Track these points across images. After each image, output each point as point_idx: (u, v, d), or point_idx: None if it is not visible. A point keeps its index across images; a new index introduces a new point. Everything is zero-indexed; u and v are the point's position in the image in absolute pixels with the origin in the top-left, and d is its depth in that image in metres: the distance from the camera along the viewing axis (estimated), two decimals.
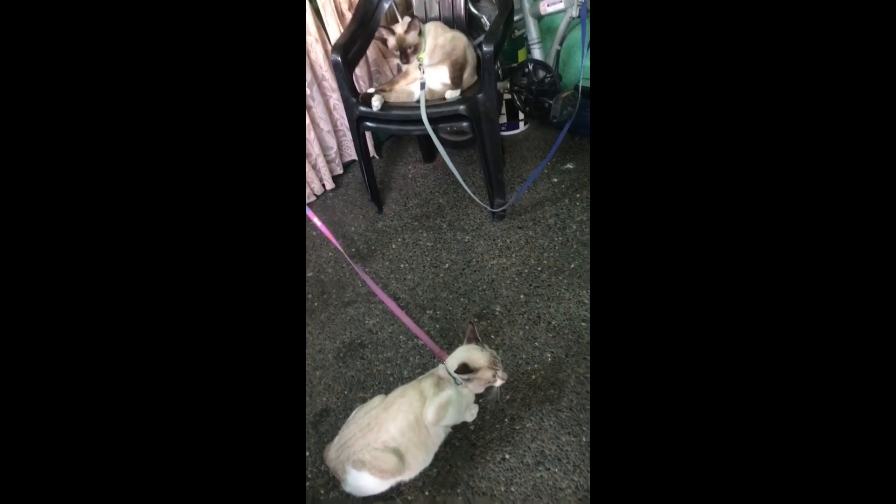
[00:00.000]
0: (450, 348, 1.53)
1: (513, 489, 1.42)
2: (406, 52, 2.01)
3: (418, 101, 2.03)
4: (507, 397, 1.63)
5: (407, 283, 2.12)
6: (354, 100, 2.14)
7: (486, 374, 1.41)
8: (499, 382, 1.41)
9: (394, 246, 2.32)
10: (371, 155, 2.88)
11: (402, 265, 2.21)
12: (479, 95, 2.02)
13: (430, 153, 2.78)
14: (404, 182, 2.70)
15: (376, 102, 2.06)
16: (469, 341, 1.47)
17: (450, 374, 1.44)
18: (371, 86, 2.36)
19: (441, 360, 1.53)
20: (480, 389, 1.44)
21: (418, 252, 2.25)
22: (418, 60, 2.05)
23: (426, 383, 1.47)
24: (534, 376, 1.67)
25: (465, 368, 1.42)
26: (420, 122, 1.99)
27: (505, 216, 2.32)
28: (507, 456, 1.49)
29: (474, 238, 2.26)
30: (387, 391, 1.49)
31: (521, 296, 1.95)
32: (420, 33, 2.03)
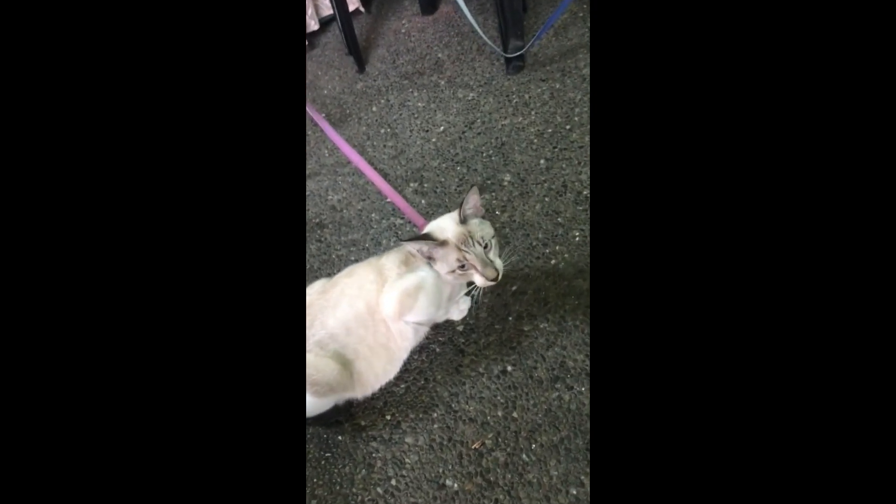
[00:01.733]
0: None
1: (515, 415, 0.94)
2: None
3: None
4: (514, 288, 1.12)
5: (387, 150, 1.58)
6: None
7: (450, 258, 0.90)
8: (477, 280, 0.90)
9: (374, 108, 1.77)
10: (356, 8, 2.26)
11: (382, 130, 1.66)
12: None
13: (430, 2, 2.14)
14: (395, 38, 2.09)
15: None
16: (469, 215, 0.95)
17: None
18: None
19: (419, 229, 1.02)
20: (459, 279, 0.93)
21: (405, 114, 1.70)
22: None
23: (389, 259, 0.97)
24: (553, 261, 1.16)
25: (425, 239, 0.91)
26: None
27: (523, 67, 1.72)
28: (510, 368, 1.01)
29: (481, 95, 1.69)
30: None
31: (542, 161, 1.40)
32: None
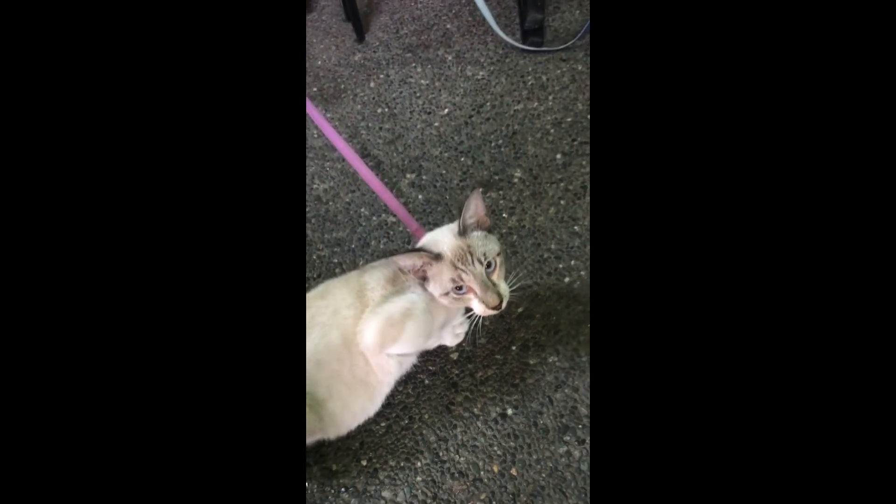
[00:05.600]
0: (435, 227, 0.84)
1: (514, 472, 0.79)
2: None
3: None
4: (520, 310, 0.96)
5: (383, 133, 1.40)
6: None
7: (444, 276, 0.74)
8: (476, 306, 0.73)
9: (372, 84, 1.57)
10: None
11: (379, 109, 1.47)
12: None
13: None
14: (401, 3, 1.88)
15: None
16: (470, 225, 0.78)
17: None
18: None
19: (415, 239, 0.86)
20: (455, 304, 0.77)
21: (406, 92, 1.51)
22: None
23: (373, 277, 0.80)
24: (567, 278, 0.99)
25: (416, 253, 0.75)
26: None
27: (542, 43, 1.52)
28: (510, 411, 0.85)
29: (492, 74, 1.49)
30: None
31: (558, 155, 1.22)
32: None
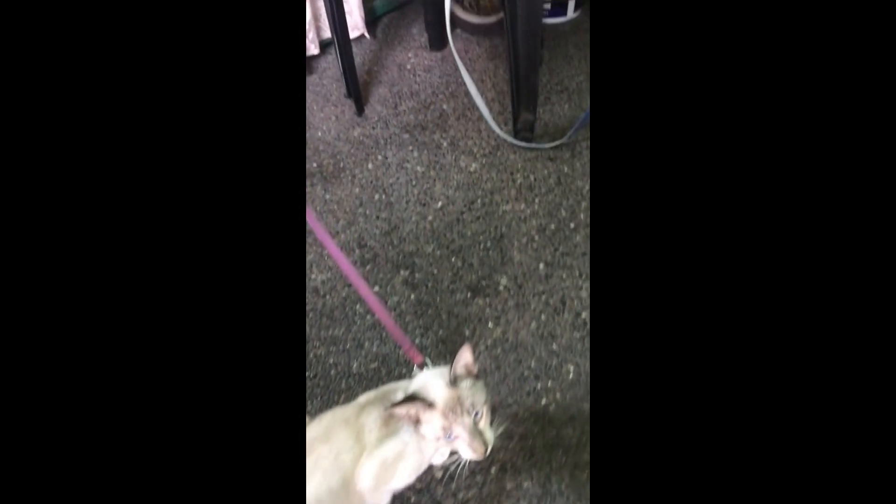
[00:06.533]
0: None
1: None
2: None
3: None
4: (500, 429, 1.06)
5: (380, 223, 1.48)
6: None
7: (435, 424, 0.83)
8: (463, 451, 0.83)
9: (370, 166, 1.65)
10: (360, 34, 2.10)
11: (377, 196, 1.56)
12: None
13: (439, 37, 2.00)
14: (399, 74, 1.96)
15: None
16: (459, 375, 0.87)
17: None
18: None
19: (414, 364, 0.95)
20: (444, 447, 0.87)
21: (403, 178, 1.60)
22: None
23: (370, 417, 0.89)
24: (544, 400, 1.10)
25: (411, 402, 0.84)
26: None
27: (532, 139, 1.63)
28: None
29: (484, 168, 1.59)
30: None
31: (541, 265, 1.33)
32: None
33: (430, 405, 0.83)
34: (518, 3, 1.35)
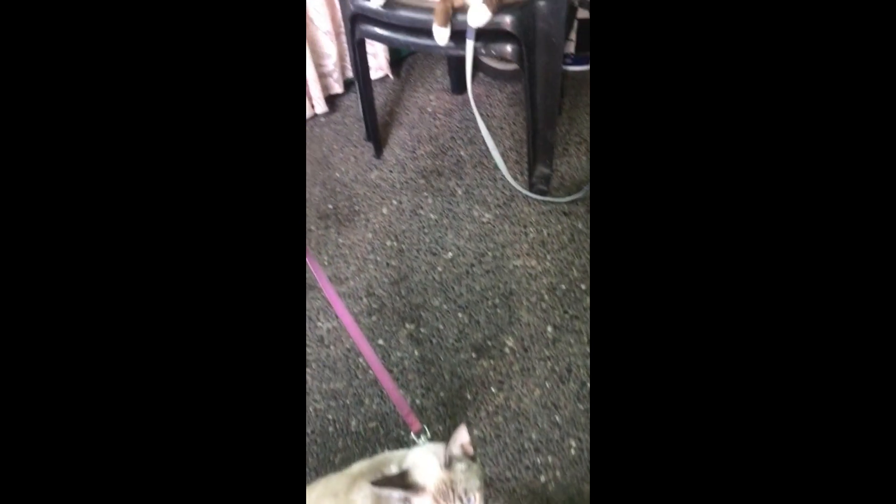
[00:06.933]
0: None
1: None
2: None
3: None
4: None
5: (390, 271, 1.48)
6: None
7: None
8: None
9: (385, 210, 1.66)
10: (384, 74, 2.13)
11: (388, 242, 1.56)
12: (540, 3, 1.25)
13: (461, 82, 2.01)
14: (420, 117, 1.98)
15: None
16: (455, 456, 0.85)
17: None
18: None
19: (411, 432, 0.93)
20: None
21: (416, 226, 1.59)
22: None
23: (360, 493, 0.88)
24: (543, 477, 1.06)
25: (400, 481, 0.82)
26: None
27: (548, 192, 1.61)
28: None
29: (497, 219, 1.58)
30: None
31: (549, 328, 1.30)
32: None
33: (421, 488, 0.81)
34: (537, 58, 1.35)
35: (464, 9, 1.26)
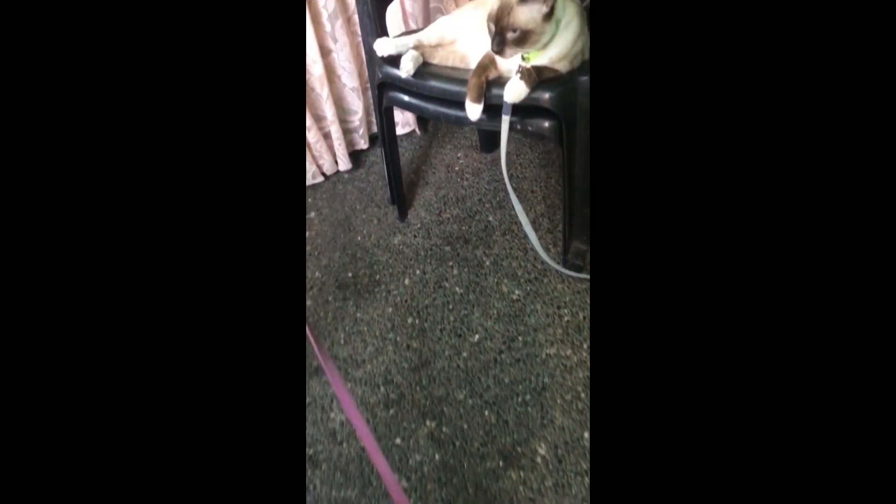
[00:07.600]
0: None
1: None
2: (506, 36, 1.10)
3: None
4: None
5: (409, 355, 1.37)
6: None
7: None
8: None
9: (407, 281, 1.55)
10: (411, 129, 2.07)
11: (410, 319, 1.45)
12: (582, 79, 1.15)
13: (490, 140, 1.93)
14: (447, 176, 1.89)
15: (408, 63, 1.24)
16: None
17: None
18: (416, 28, 1.52)
19: None
20: None
21: (440, 300, 1.48)
22: (524, 59, 1.15)
23: None
24: None
25: None
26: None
27: (583, 268, 1.49)
28: None
29: (528, 296, 1.46)
30: None
31: (586, 433, 1.16)
32: (552, 11, 1.08)
33: None
34: (577, 135, 1.24)
35: (499, 82, 1.17)
